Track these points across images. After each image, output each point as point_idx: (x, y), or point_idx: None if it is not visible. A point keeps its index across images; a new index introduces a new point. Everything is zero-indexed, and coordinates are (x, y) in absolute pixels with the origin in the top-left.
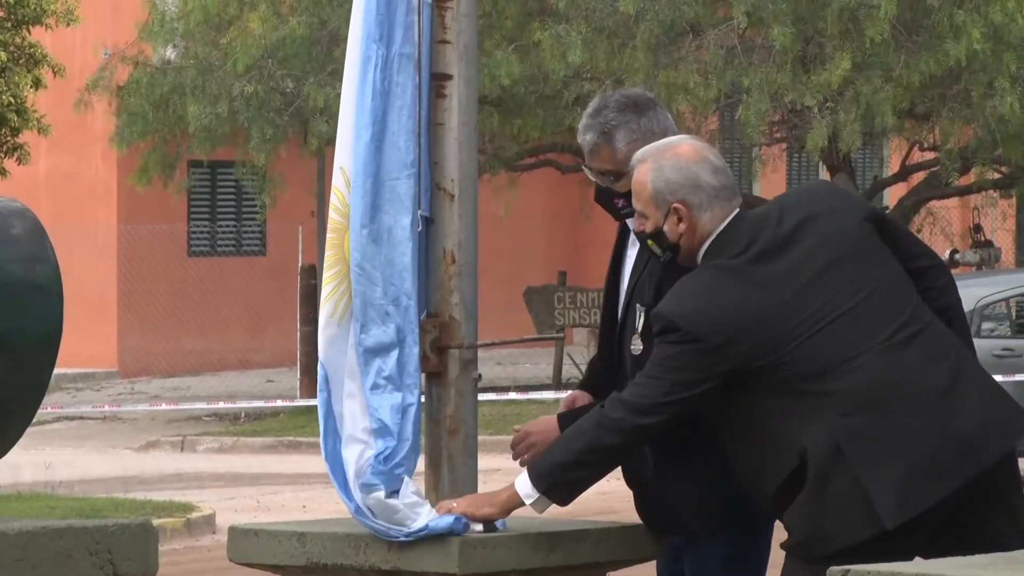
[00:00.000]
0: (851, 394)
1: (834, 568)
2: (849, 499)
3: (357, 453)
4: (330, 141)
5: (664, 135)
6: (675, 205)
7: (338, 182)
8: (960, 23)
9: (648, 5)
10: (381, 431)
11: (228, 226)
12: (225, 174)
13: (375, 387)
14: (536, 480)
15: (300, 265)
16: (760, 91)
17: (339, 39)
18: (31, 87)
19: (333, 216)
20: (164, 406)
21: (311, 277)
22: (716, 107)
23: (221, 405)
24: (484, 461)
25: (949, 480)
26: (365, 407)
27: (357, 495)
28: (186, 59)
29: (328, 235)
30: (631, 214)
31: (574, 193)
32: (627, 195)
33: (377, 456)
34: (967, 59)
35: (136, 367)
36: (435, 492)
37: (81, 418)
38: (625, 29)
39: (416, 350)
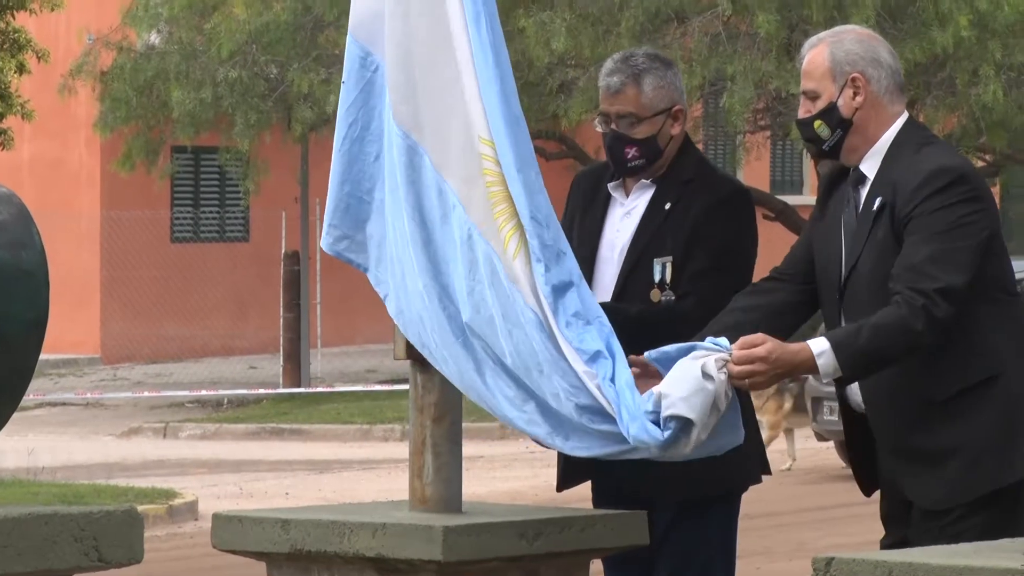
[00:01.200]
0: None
1: (817, 557)
2: None
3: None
4: (314, 127)
5: (684, 96)
6: (854, 75)
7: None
8: (946, 10)
9: None
10: (595, 357)
11: (211, 212)
12: (208, 160)
13: (568, 325)
14: (844, 364)
15: (283, 251)
16: (745, 78)
17: (323, 25)
18: (15, 72)
19: (488, 166)
20: (147, 393)
21: (294, 263)
22: (700, 94)
23: (204, 392)
24: (468, 448)
25: None
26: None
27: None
28: (170, 44)
29: (491, 189)
30: (638, 167)
31: (559, 180)
32: (640, 143)
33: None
34: (953, 46)
35: (119, 353)
36: (419, 479)
37: (64, 404)
38: (610, 16)
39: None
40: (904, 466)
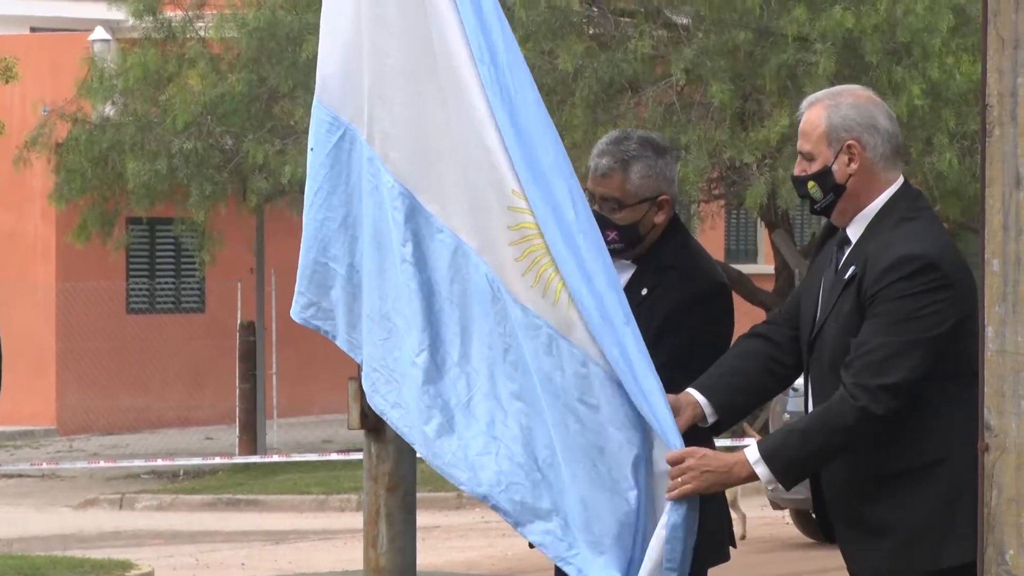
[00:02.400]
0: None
1: None
2: (972, 519)
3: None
4: (269, 197)
5: (674, 184)
6: (850, 142)
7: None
8: (899, 80)
9: (587, 62)
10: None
11: (167, 283)
12: (164, 231)
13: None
14: (777, 472)
15: (239, 322)
16: (699, 148)
17: (278, 96)
18: None
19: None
20: (103, 463)
21: (250, 334)
22: None
23: (160, 462)
24: (423, 518)
25: None
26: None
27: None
28: (125, 116)
29: (524, 245)
30: (616, 251)
31: None
32: (620, 228)
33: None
34: (907, 115)
35: (75, 424)
36: (373, 548)
37: (19, 475)
38: (564, 86)
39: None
40: (848, 533)
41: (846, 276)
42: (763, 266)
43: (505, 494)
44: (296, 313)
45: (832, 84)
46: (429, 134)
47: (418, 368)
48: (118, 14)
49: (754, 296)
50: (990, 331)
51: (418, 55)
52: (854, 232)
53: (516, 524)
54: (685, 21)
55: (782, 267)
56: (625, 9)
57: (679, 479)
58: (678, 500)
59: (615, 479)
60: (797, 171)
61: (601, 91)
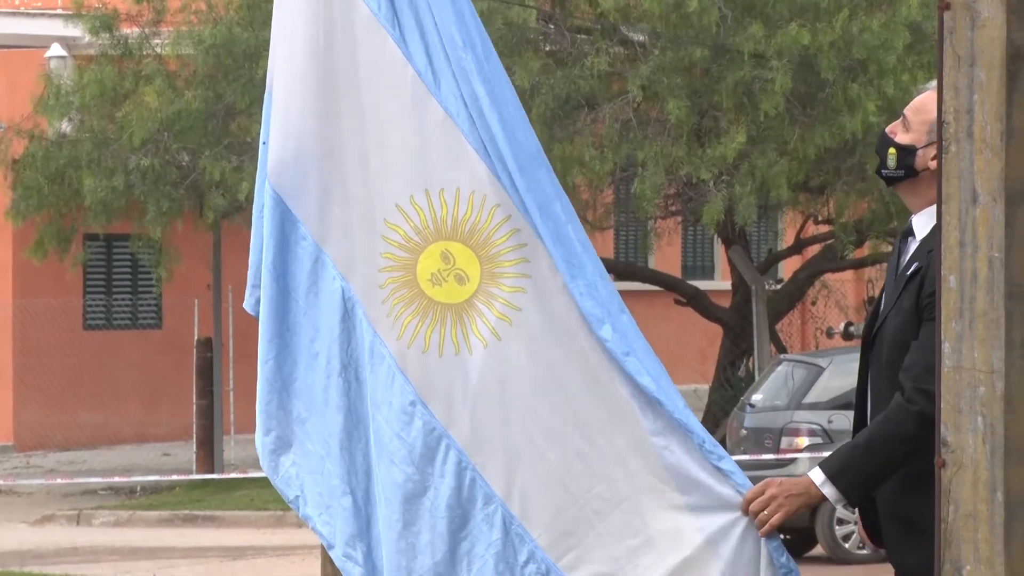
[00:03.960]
0: None
1: None
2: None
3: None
4: (226, 214)
5: None
6: None
7: (408, 204)
8: (855, 96)
9: (543, 79)
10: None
11: (124, 299)
12: (121, 247)
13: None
14: (844, 491)
15: (196, 338)
16: (655, 164)
17: (235, 113)
18: None
19: (393, 248)
20: (60, 480)
21: (207, 350)
22: (611, 180)
23: (117, 479)
24: None
25: None
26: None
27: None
28: (82, 132)
29: (392, 274)
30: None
31: None
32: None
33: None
34: (862, 132)
35: (32, 441)
36: (331, 564)
37: None
38: (521, 103)
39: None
40: (893, 530)
41: (909, 271)
42: (720, 282)
43: (323, 516)
44: (251, 307)
45: (788, 101)
46: (306, 142)
47: (264, 379)
48: (74, 31)
49: (711, 312)
50: (947, 347)
51: (318, 62)
52: (920, 225)
53: (328, 547)
54: (641, 38)
55: (739, 283)
56: (581, 26)
57: (765, 511)
58: (770, 535)
59: (403, 517)
60: (889, 129)
61: (558, 107)
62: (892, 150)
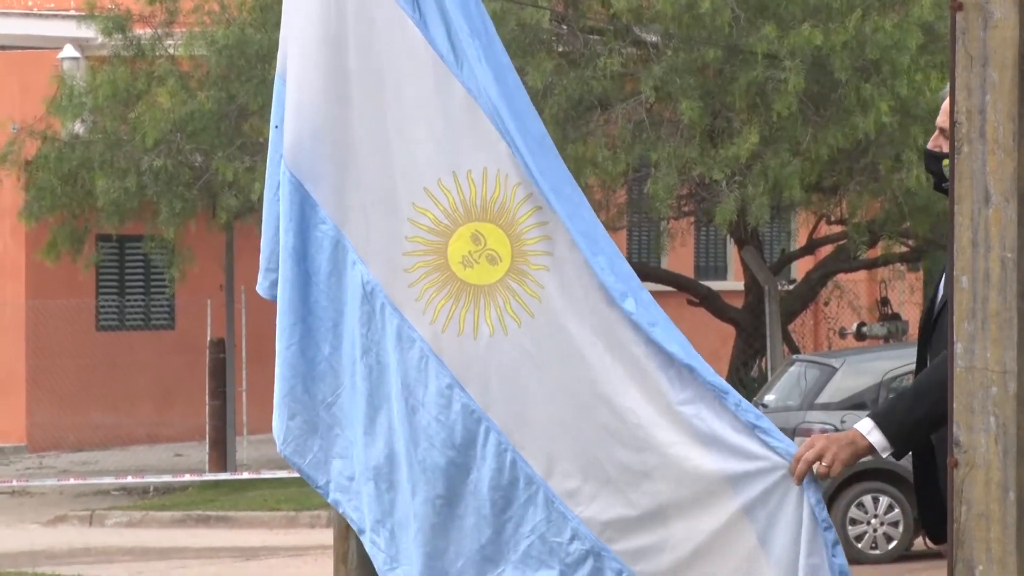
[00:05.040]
0: None
1: None
2: None
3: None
4: (239, 214)
5: None
6: None
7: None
8: (868, 96)
9: (556, 80)
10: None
11: (137, 300)
12: (134, 248)
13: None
14: (890, 437)
15: (209, 339)
16: (668, 165)
17: (247, 113)
18: None
19: (423, 232)
20: (72, 480)
21: (220, 351)
22: (624, 181)
23: (130, 479)
24: None
25: None
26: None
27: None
28: (95, 133)
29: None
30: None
31: None
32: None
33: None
34: (875, 132)
35: (45, 442)
36: (344, 564)
37: None
38: (533, 103)
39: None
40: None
41: None
42: (733, 283)
43: (353, 502)
44: (265, 289)
45: (801, 101)
46: (321, 125)
47: (287, 363)
48: (87, 32)
49: (723, 313)
50: (959, 348)
51: (336, 49)
52: None
53: (359, 532)
54: (654, 39)
55: (752, 284)
56: (594, 27)
57: (823, 462)
58: (816, 484)
59: (448, 501)
60: (931, 145)
61: (571, 108)
62: (946, 161)
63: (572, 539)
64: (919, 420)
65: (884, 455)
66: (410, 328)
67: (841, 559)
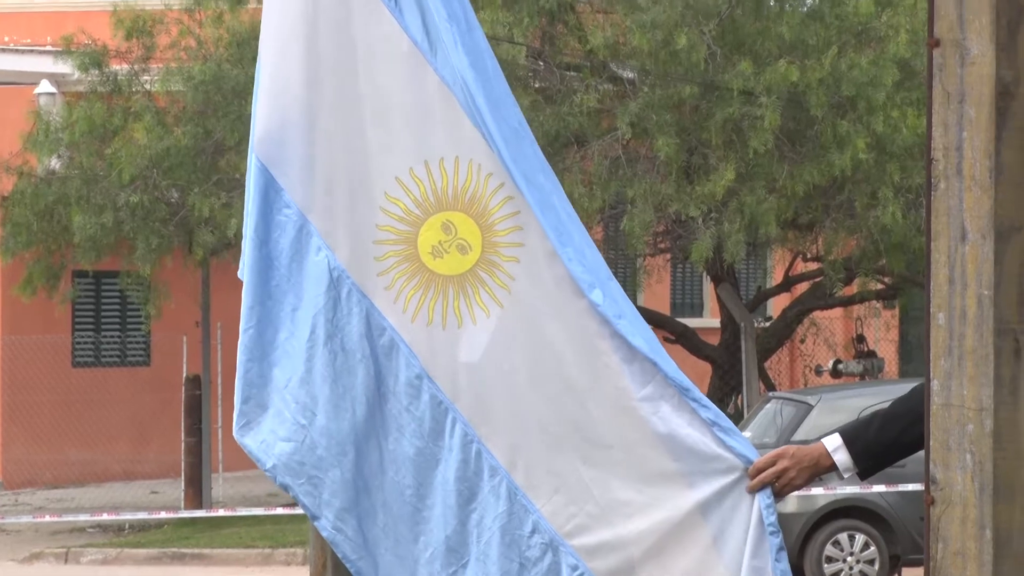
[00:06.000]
0: None
1: None
2: None
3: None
4: (215, 251)
5: None
6: None
7: (413, 177)
8: (844, 133)
9: (533, 116)
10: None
11: (113, 336)
12: (110, 284)
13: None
14: (857, 456)
15: (184, 376)
16: (644, 201)
17: (224, 149)
18: None
19: (393, 221)
20: (48, 517)
21: (195, 387)
22: (601, 217)
23: (105, 516)
24: None
25: None
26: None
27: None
28: (71, 169)
29: (391, 247)
30: None
31: None
32: None
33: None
34: (851, 169)
35: (20, 478)
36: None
37: None
38: None
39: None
40: None
41: None
42: (709, 320)
43: (305, 487)
44: (241, 273)
45: (778, 138)
46: (291, 112)
47: (244, 347)
48: (64, 67)
49: (700, 350)
50: (936, 384)
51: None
52: None
53: (312, 518)
54: (631, 75)
55: (728, 321)
56: (571, 63)
57: (777, 483)
58: (772, 498)
59: (417, 491)
60: None
61: (547, 144)
62: None
63: (533, 532)
64: (888, 444)
65: (846, 475)
66: (380, 316)
67: (784, 565)
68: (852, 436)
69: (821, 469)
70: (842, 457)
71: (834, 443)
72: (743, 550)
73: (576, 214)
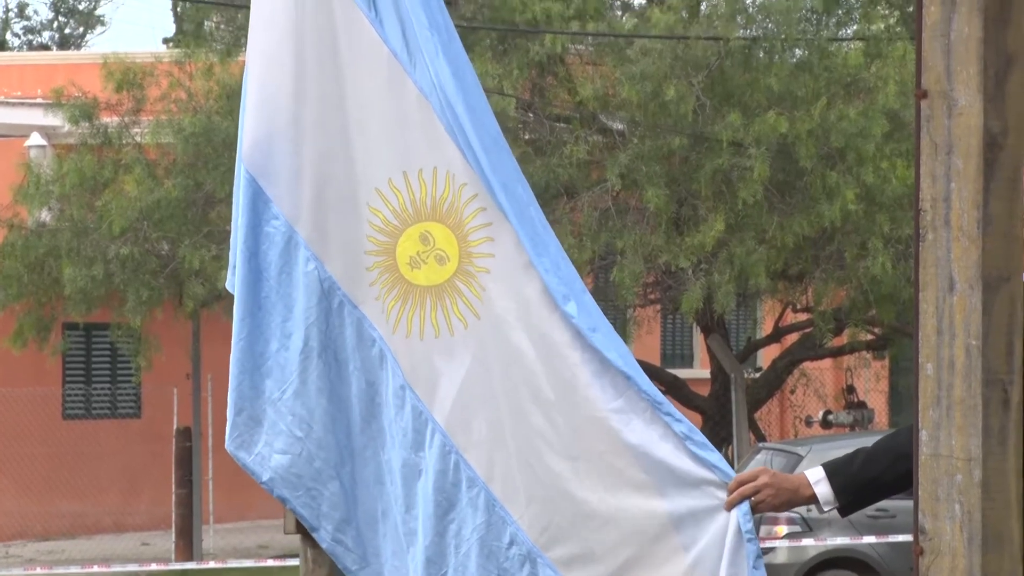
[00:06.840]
0: None
1: None
2: None
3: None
4: (205, 303)
5: None
6: None
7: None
8: (833, 184)
9: (523, 167)
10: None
11: (103, 389)
12: (100, 337)
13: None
14: (837, 491)
15: (175, 427)
16: (634, 253)
17: (214, 201)
18: None
19: (375, 232)
20: (39, 570)
21: (186, 439)
22: (590, 269)
23: (96, 568)
24: None
25: None
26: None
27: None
28: (61, 221)
29: (377, 259)
30: None
31: None
32: None
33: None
34: (841, 220)
35: (11, 531)
36: None
37: None
38: None
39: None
40: None
41: None
42: (699, 371)
43: (303, 499)
44: (229, 285)
45: (767, 189)
46: (279, 123)
47: (235, 359)
48: (54, 120)
49: (690, 401)
50: (924, 435)
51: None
52: None
53: (311, 529)
54: (620, 127)
55: (718, 372)
56: (561, 114)
57: (754, 498)
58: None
59: (404, 501)
60: None
61: (537, 195)
62: None
63: (511, 544)
64: (869, 480)
65: (826, 509)
66: (371, 327)
67: (761, 572)
68: (835, 470)
69: (800, 499)
70: (824, 490)
71: (816, 475)
72: (719, 560)
73: (550, 227)
